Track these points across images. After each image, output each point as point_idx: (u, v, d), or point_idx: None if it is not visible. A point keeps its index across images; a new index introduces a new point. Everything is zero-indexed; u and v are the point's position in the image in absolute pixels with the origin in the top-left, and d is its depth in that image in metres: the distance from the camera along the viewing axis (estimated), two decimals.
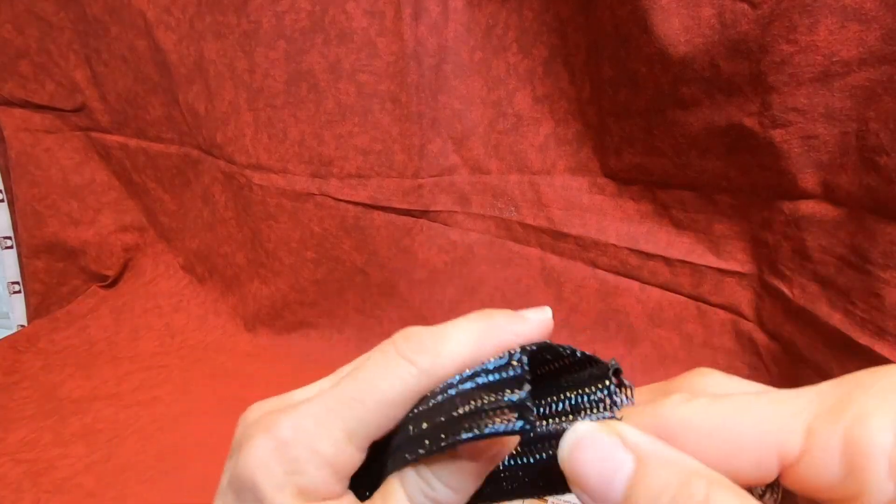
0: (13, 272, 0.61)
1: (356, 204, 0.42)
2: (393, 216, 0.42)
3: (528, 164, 0.39)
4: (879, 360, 0.23)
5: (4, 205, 0.59)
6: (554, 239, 0.38)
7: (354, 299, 0.46)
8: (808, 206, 0.24)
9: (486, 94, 0.39)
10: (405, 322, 0.46)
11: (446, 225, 0.42)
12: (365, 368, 0.13)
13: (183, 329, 0.53)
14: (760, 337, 0.30)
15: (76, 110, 0.55)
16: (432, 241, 0.43)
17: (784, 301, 0.28)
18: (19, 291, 0.61)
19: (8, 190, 0.59)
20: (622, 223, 0.35)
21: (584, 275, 0.37)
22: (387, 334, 0.41)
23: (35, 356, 0.50)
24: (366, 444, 0.13)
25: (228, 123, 0.44)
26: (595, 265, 0.37)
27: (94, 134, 0.56)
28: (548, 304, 0.40)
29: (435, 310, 0.44)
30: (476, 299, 0.43)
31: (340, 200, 0.42)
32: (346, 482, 0.13)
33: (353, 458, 0.13)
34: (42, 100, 0.55)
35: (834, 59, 0.21)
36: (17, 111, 0.55)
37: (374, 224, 0.43)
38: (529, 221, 0.39)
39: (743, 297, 0.30)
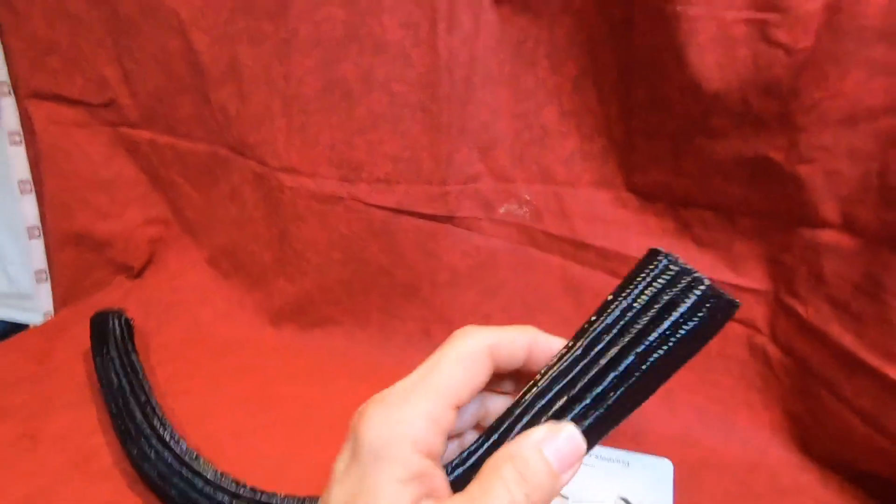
0: (40, 261, 0.63)
1: (384, 208, 0.44)
2: (419, 221, 0.44)
3: (553, 175, 0.40)
4: (887, 380, 0.25)
5: (33, 195, 0.61)
6: (576, 248, 0.40)
7: (378, 299, 0.48)
8: (827, 235, 0.26)
9: (514, 106, 0.41)
10: (427, 322, 0.48)
11: (470, 230, 0.44)
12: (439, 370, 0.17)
13: (209, 322, 0.55)
14: (773, 350, 0.32)
15: (105, 105, 0.56)
16: (456, 245, 0.44)
17: (798, 319, 0.29)
18: (46, 280, 0.63)
19: (37, 181, 0.60)
20: (644, 237, 0.36)
21: (604, 284, 0.39)
22: (408, 333, 0.44)
23: (65, 346, 0.52)
24: (455, 407, 0.17)
25: (261, 126, 0.46)
26: (615, 275, 0.38)
27: (122, 129, 0.57)
28: (567, 311, 0.42)
29: (456, 311, 0.46)
30: (496, 303, 0.45)
31: (369, 205, 0.44)
32: (446, 441, 0.17)
33: (450, 417, 0.16)
34: (72, 94, 0.56)
35: (860, 106, 0.22)
36: (48, 104, 0.56)
37: (401, 228, 0.44)
38: (552, 230, 0.41)
39: (758, 312, 0.32)
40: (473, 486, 0.16)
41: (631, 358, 0.16)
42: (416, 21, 0.38)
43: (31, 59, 0.54)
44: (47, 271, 0.62)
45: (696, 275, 0.16)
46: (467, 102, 0.41)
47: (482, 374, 0.18)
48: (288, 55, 0.42)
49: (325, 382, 0.45)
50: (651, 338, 0.16)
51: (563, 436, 0.16)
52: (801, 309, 0.29)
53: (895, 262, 0.23)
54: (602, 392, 0.16)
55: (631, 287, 0.17)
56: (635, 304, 0.17)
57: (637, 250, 0.37)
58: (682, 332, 0.16)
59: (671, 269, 0.17)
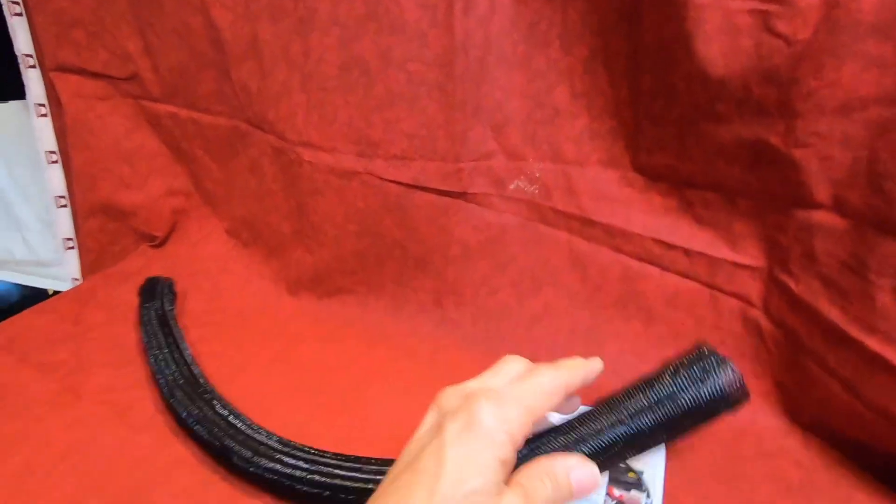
0: (67, 229, 0.65)
1: (399, 184, 0.46)
2: (433, 196, 0.46)
3: (563, 154, 0.42)
4: (867, 352, 0.27)
5: (58, 166, 0.63)
6: (582, 225, 0.42)
7: (391, 271, 0.50)
8: (819, 215, 0.28)
9: (527, 86, 0.42)
10: (438, 294, 0.51)
11: (482, 206, 0.46)
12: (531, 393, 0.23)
13: (229, 290, 0.57)
14: (766, 324, 0.34)
15: (128, 79, 0.58)
16: (468, 220, 0.46)
17: (790, 294, 0.31)
18: (73, 248, 0.66)
19: (62, 152, 0.62)
20: (648, 215, 0.38)
21: (609, 260, 0.41)
22: (420, 304, 0.47)
23: (97, 309, 0.55)
24: (535, 423, 0.22)
25: (281, 102, 0.47)
26: (620, 251, 0.40)
27: (144, 102, 0.59)
28: (573, 285, 0.44)
29: (466, 284, 0.48)
30: (506, 277, 0.47)
31: (384, 180, 0.46)
32: (522, 444, 0.21)
33: (529, 428, 0.22)
34: (95, 67, 0.57)
35: (853, 96, 0.24)
36: (72, 77, 0.58)
37: (415, 203, 0.46)
38: (560, 207, 0.43)
39: (753, 288, 0.34)
40: (519, 486, 0.21)
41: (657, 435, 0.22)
42: (433, 2, 0.39)
43: (55, 33, 0.55)
44: (74, 239, 0.65)
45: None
46: (482, 82, 0.42)
47: (555, 404, 0.23)
48: (307, 33, 0.43)
49: (341, 348, 0.48)
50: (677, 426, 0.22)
51: (588, 468, 0.22)
52: (792, 285, 0.31)
53: (879, 242, 0.25)
54: (621, 450, 0.22)
55: (677, 377, 0.22)
56: (677, 395, 0.21)
57: (641, 228, 0.39)
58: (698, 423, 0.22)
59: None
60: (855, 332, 0.27)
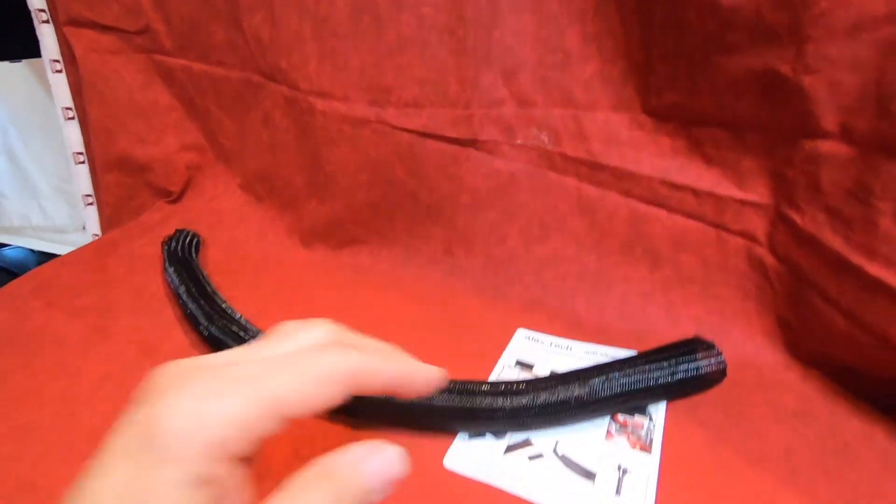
0: (86, 186, 0.67)
1: (410, 132, 0.46)
2: (443, 144, 0.46)
3: (573, 99, 0.42)
4: (868, 278, 0.28)
5: (75, 122, 0.64)
6: (591, 170, 0.42)
7: (403, 220, 0.51)
8: (826, 145, 0.28)
9: (538, 30, 0.42)
10: (448, 242, 0.52)
11: (491, 154, 0.46)
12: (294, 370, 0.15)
13: (245, 242, 0.59)
14: (770, 260, 0.35)
15: (140, 32, 0.58)
16: (478, 168, 0.47)
17: (795, 229, 0.32)
18: (92, 203, 0.67)
19: (78, 108, 0.63)
20: (657, 157, 0.38)
21: (617, 203, 0.42)
22: (431, 252, 0.48)
23: (119, 261, 0.57)
24: (284, 419, 0.14)
25: (293, 51, 0.47)
26: (628, 194, 0.41)
27: (156, 56, 0.59)
28: (581, 231, 0.45)
29: (476, 232, 0.49)
30: (515, 224, 0.48)
31: (396, 128, 0.46)
32: (253, 449, 0.14)
33: (271, 427, 0.14)
34: (107, 21, 0.58)
35: (864, 16, 0.24)
36: (86, 32, 0.58)
37: (426, 151, 0.47)
38: (569, 153, 0.43)
39: (759, 225, 0.34)
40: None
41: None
42: None
43: None
44: (93, 195, 0.67)
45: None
46: (493, 27, 0.42)
47: (332, 398, 0.16)
48: None
49: (354, 295, 0.50)
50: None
51: (383, 455, 0.16)
52: (797, 218, 0.31)
53: (884, 167, 0.25)
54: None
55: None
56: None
57: (650, 169, 0.40)
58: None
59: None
60: (857, 258, 0.28)
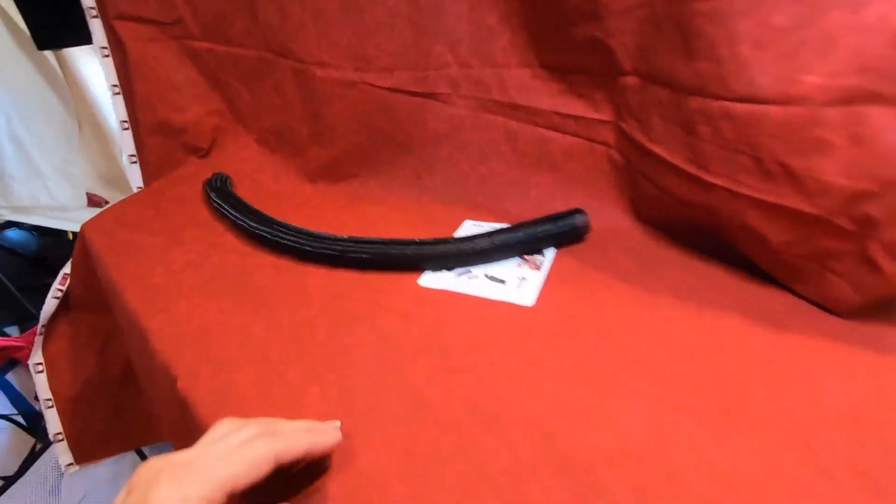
0: (130, 147, 0.84)
1: (386, 89, 0.65)
2: (410, 97, 0.65)
3: (496, 61, 0.61)
4: (658, 157, 0.48)
5: (120, 97, 0.81)
6: (512, 110, 0.62)
7: (385, 156, 0.70)
8: (628, 80, 0.48)
9: (470, 13, 0.61)
10: (418, 170, 0.73)
11: (445, 103, 0.65)
12: (229, 463, 0.24)
13: (264, 183, 0.77)
14: (619, 158, 0.55)
15: (173, 23, 0.75)
16: (436, 114, 0.66)
17: (625, 134, 0.52)
18: (135, 162, 0.85)
19: (121, 83, 0.80)
20: (551, 97, 0.58)
21: (531, 131, 0.61)
22: (405, 178, 0.74)
23: (168, 201, 0.75)
24: (230, 494, 0.23)
25: (298, 34, 0.66)
26: (536, 125, 0.61)
27: (186, 42, 0.76)
28: (507, 153, 0.70)
29: (438, 162, 0.68)
30: (464, 154, 0.67)
31: (375, 87, 0.65)
32: None
33: (222, 499, 0.23)
34: (147, 14, 0.75)
35: (630, 3, 0.43)
36: (130, 24, 0.75)
37: (398, 103, 0.66)
38: (496, 98, 0.62)
39: (610, 135, 0.54)
40: None
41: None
42: None
43: None
44: (136, 155, 0.84)
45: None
46: (440, 13, 0.61)
47: (262, 474, 0.25)
48: None
49: (351, 211, 0.69)
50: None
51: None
52: (625, 127, 0.51)
53: (651, 89, 0.45)
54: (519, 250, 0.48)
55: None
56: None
57: (548, 106, 0.60)
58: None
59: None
60: (650, 145, 0.48)
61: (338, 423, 0.31)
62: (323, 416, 0.34)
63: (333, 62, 0.65)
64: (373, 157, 0.71)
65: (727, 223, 0.44)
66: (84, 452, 0.78)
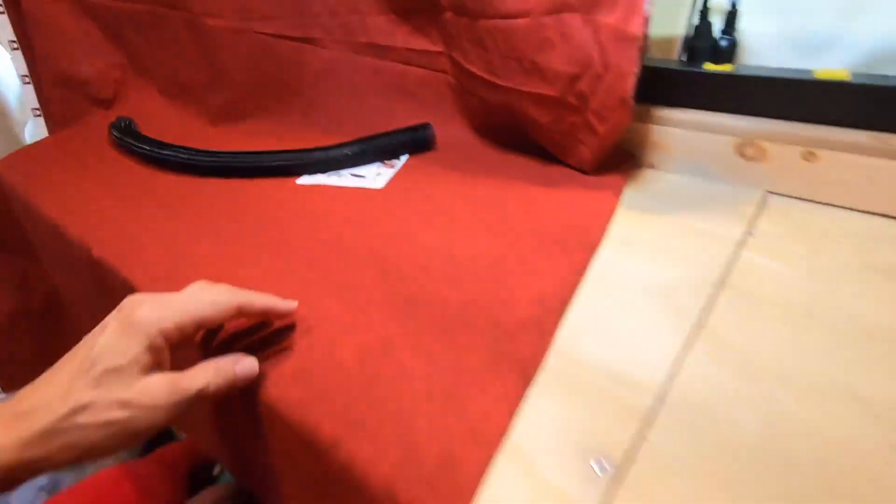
0: (33, 100, 0.90)
1: (270, 35, 0.77)
2: (292, 42, 0.77)
3: (360, 9, 0.74)
4: (476, 76, 0.63)
5: (19, 52, 0.87)
6: (376, 49, 0.76)
7: (274, 95, 0.82)
8: (446, 15, 0.63)
9: None
10: (304, 107, 0.86)
11: (320, 47, 0.78)
12: (198, 300, 0.30)
13: (168, 129, 0.86)
14: (454, 82, 0.70)
15: None
16: (315, 56, 0.78)
17: (455, 61, 0.67)
18: (39, 115, 0.91)
19: (20, 39, 0.86)
20: (403, 36, 0.72)
21: (391, 67, 0.75)
22: (293, 114, 0.90)
23: (80, 144, 0.83)
24: (199, 326, 0.30)
25: None
26: (395, 60, 0.75)
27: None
28: (377, 86, 0.87)
29: (320, 99, 0.81)
30: (342, 91, 0.80)
31: (261, 34, 0.76)
32: (180, 338, 0.29)
33: (191, 329, 0.29)
34: None
35: None
36: None
37: (281, 48, 0.78)
38: (363, 41, 0.76)
39: (446, 64, 0.70)
40: (174, 373, 0.28)
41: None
42: None
43: None
44: (40, 108, 0.90)
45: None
46: None
47: (227, 317, 0.31)
48: None
49: (251, 143, 0.80)
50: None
51: (249, 361, 0.31)
52: (455, 55, 0.67)
53: (460, 20, 0.61)
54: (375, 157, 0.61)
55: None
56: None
57: (402, 43, 0.74)
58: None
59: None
60: (467, 65, 0.63)
61: (295, 302, 0.36)
62: (221, 275, 0.47)
63: (222, 13, 0.76)
64: (264, 97, 0.82)
65: (519, 116, 0.60)
66: (11, 380, 0.85)
